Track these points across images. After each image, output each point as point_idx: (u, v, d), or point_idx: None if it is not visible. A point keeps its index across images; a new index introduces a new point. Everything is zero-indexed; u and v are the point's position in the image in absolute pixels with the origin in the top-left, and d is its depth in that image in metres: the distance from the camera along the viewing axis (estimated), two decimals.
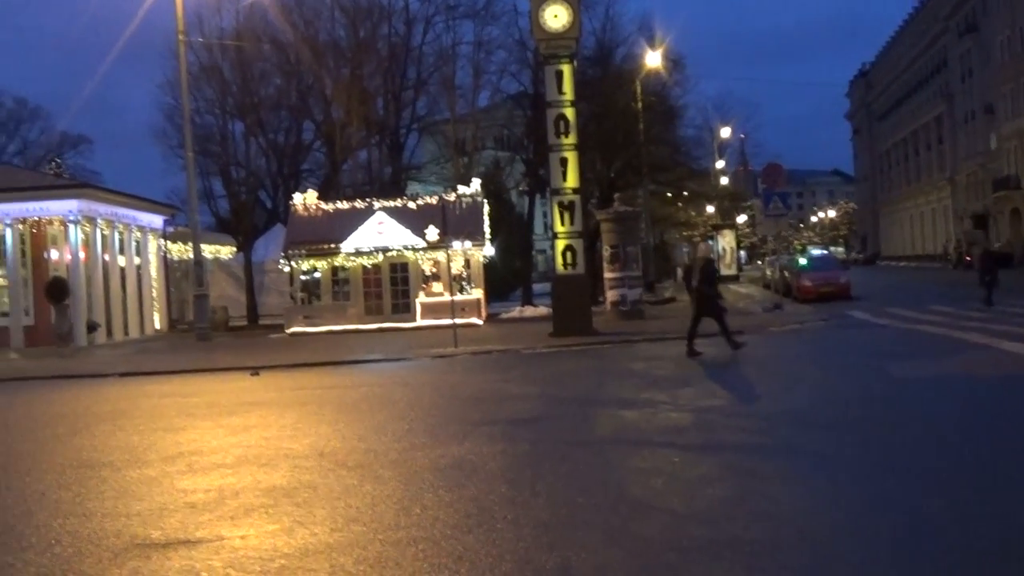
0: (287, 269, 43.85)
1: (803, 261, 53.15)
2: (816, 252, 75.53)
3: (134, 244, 47.19)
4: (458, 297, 38.40)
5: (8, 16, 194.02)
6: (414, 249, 41.97)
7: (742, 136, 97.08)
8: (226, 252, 59.00)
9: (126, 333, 44.94)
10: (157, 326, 49.47)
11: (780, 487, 10.11)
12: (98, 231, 42.55)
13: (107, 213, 43.60)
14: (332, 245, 42.31)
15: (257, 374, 25.60)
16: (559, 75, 32.77)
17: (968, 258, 73.32)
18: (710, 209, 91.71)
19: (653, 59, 55.79)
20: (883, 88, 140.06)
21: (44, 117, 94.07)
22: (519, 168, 58.21)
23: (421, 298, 42.06)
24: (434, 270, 42.36)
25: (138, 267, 47.56)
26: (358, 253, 42.32)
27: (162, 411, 18.81)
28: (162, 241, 51.19)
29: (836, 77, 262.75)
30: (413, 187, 58.37)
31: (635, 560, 7.73)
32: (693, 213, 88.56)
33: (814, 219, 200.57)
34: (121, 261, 45.47)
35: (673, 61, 60.31)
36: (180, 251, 53.34)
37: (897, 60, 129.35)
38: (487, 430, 14.25)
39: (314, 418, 16.61)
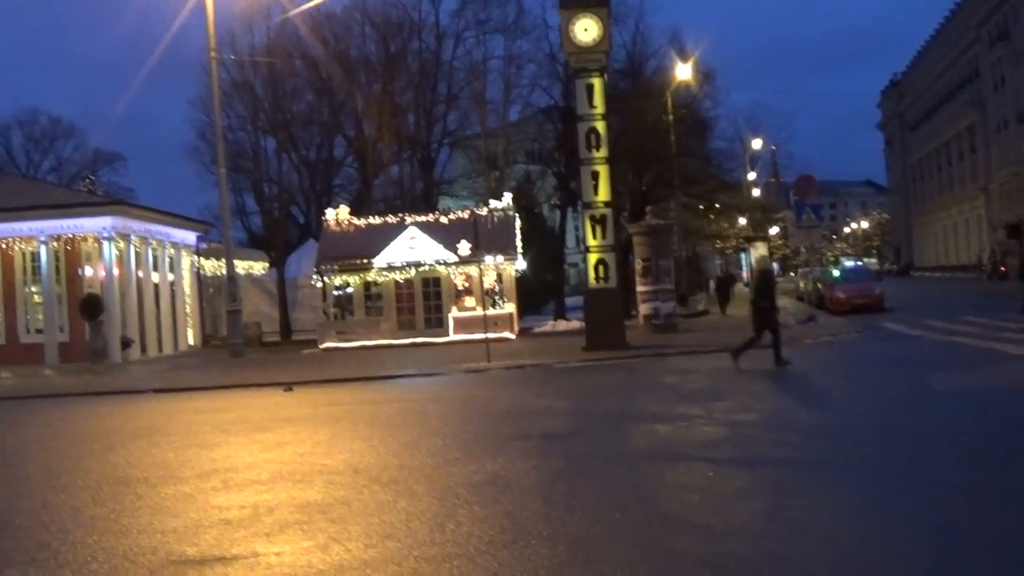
0: (320, 284, 43.92)
1: (836, 273, 52.91)
2: (849, 263, 75.18)
3: (168, 260, 47.39)
4: (490, 311, 38.41)
5: (43, 36, 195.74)
6: (446, 264, 41.99)
7: (773, 147, 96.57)
8: (259, 268, 59.21)
9: (160, 349, 45.13)
10: (191, 342, 49.66)
11: (817, 502, 10.05)
12: (132, 248, 42.77)
13: (141, 230, 43.83)
14: (364, 260, 42.36)
15: (290, 390, 25.60)
16: (590, 88, 32.75)
17: (1003, 268, 72.88)
18: (742, 221, 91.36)
19: (684, 71, 55.70)
20: (915, 98, 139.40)
21: (78, 134, 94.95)
22: (550, 182, 58.21)
23: (453, 313, 42.08)
24: (466, 284, 42.35)
25: (171, 283, 47.76)
26: (390, 268, 42.36)
27: (196, 427, 18.85)
28: (195, 257, 51.39)
29: (868, 87, 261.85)
30: (445, 202, 58.41)
31: None
32: (725, 225, 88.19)
33: (847, 230, 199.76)
34: (155, 277, 45.69)
35: (704, 73, 60.22)
36: (213, 267, 53.54)
37: (929, 69, 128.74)
38: (521, 445, 14.21)
39: (348, 434, 16.62)
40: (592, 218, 32.75)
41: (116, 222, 41.73)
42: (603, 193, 32.70)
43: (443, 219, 44.21)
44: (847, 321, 38.63)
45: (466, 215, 43.65)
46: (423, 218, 44.23)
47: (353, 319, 43.30)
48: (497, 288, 42.47)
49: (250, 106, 53.47)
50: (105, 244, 41.29)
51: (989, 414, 15.22)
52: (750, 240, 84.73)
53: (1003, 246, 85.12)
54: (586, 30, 32.60)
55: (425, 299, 42.84)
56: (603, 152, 32.74)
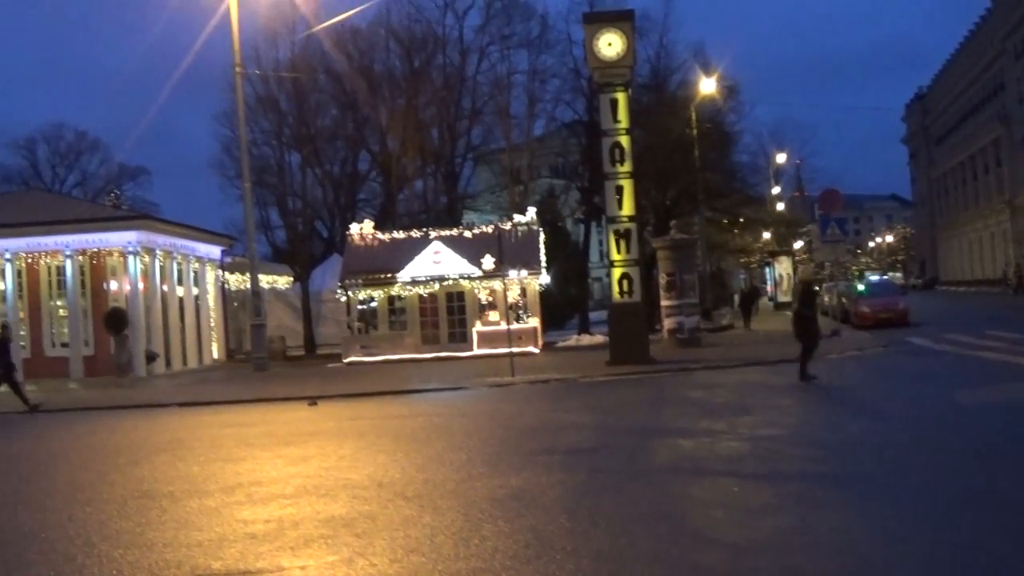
0: (344, 299, 43.98)
1: (861, 287, 52.72)
2: (874, 278, 74.94)
3: (192, 274, 47.57)
4: (514, 326, 38.36)
5: (68, 52, 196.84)
6: (470, 278, 41.99)
7: (798, 162, 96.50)
8: (283, 282, 59.36)
9: (184, 363, 45.27)
10: (215, 356, 49.80)
11: (842, 517, 10.00)
12: (157, 262, 42.94)
13: (165, 244, 44.01)
14: (389, 275, 42.41)
15: (315, 404, 25.64)
16: (614, 103, 32.74)
17: None
18: (766, 235, 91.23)
19: (708, 86, 55.67)
20: (940, 112, 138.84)
21: (103, 149, 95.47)
22: (574, 196, 58.21)
23: (477, 327, 42.07)
24: (490, 299, 42.35)
25: (196, 297, 47.93)
26: (414, 282, 42.39)
27: (221, 441, 18.90)
28: (220, 271, 51.56)
29: (892, 101, 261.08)
30: (469, 216, 58.48)
31: None
32: (749, 239, 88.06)
33: (872, 244, 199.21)
34: (179, 291, 45.88)
35: (728, 87, 60.15)
36: (238, 281, 53.69)
37: (953, 83, 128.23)
38: (545, 460, 14.20)
39: (372, 448, 16.63)
40: (616, 232, 32.72)
41: (141, 236, 41.92)
42: (627, 207, 32.68)
43: (467, 233, 44.24)
44: (872, 335, 38.49)
45: (490, 229, 43.64)
46: (447, 232, 44.29)
47: (377, 333, 43.32)
48: (521, 302, 42.44)
49: (275, 121, 53.67)
50: (130, 258, 41.48)
51: (1015, 429, 15.15)
52: (774, 255, 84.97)
53: None
54: (610, 44, 32.62)
55: (449, 313, 42.84)
56: (627, 167, 32.71)
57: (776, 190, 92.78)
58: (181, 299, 46.00)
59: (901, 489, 11.19)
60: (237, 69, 41.22)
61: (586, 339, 46.23)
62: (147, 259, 42.23)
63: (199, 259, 48.37)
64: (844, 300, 49.21)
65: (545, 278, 43.50)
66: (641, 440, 16.25)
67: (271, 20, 51.79)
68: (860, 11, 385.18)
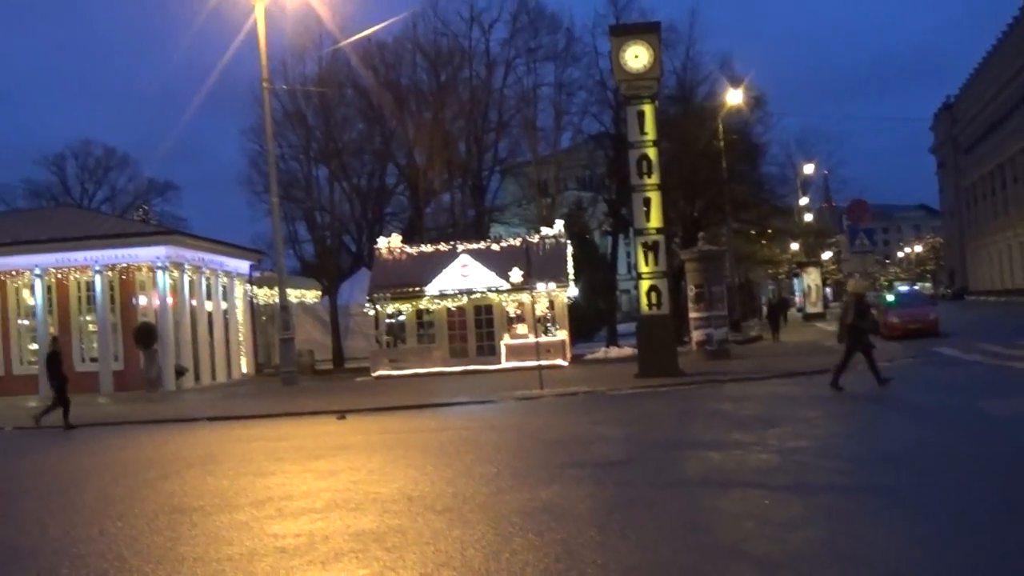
0: (372, 312, 44.07)
1: (890, 297, 52.48)
2: (903, 288, 74.70)
3: (221, 289, 47.75)
4: (543, 339, 38.34)
5: (97, 67, 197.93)
6: (498, 291, 41.99)
7: (826, 172, 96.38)
8: (311, 296, 59.53)
9: (213, 377, 45.42)
10: (244, 370, 49.95)
11: (872, 529, 9.95)
12: (185, 277, 43.13)
13: (194, 259, 44.19)
14: (417, 288, 42.45)
15: (344, 418, 25.65)
16: (641, 115, 32.71)
17: None
18: (794, 246, 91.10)
19: (735, 97, 55.63)
20: (968, 121, 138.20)
21: (132, 164, 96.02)
22: (602, 208, 58.22)
23: (505, 340, 42.06)
24: (518, 312, 42.33)
25: (225, 312, 48.11)
26: (442, 296, 42.42)
27: (251, 455, 18.93)
28: (248, 286, 51.73)
29: (920, 111, 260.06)
30: (496, 229, 58.52)
31: None
32: (777, 251, 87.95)
33: (900, 255, 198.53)
34: (208, 306, 46.07)
35: (755, 98, 60.09)
36: (266, 295, 53.87)
37: (982, 92, 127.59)
38: (574, 473, 14.18)
39: (401, 462, 16.63)
40: (644, 245, 32.68)
41: (170, 251, 42.13)
42: (655, 220, 32.63)
43: (495, 246, 44.27)
44: (901, 346, 38.32)
45: (518, 242, 43.67)
46: (475, 246, 44.32)
47: (405, 347, 43.37)
48: (549, 315, 42.42)
49: (302, 135, 53.85)
50: (159, 273, 41.67)
51: None
52: (803, 265, 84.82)
53: None
54: (636, 57, 32.61)
55: (477, 327, 42.85)
56: (655, 179, 32.67)
57: (804, 201, 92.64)
58: (210, 314, 46.18)
59: (931, 501, 11.14)
60: (265, 84, 41.37)
61: (614, 351, 46.18)
62: (176, 274, 42.42)
63: (227, 274, 48.56)
64: (873, 311, 49.05)
65: (573, 291, 43.49)
66: (670, 452, 16.21)
67: (298, 35, 52.09)
68: (887, 21, 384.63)
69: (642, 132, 32.67)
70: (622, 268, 72.69)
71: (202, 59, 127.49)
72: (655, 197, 32.66)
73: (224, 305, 48.15)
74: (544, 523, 10.86)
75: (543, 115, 55.78)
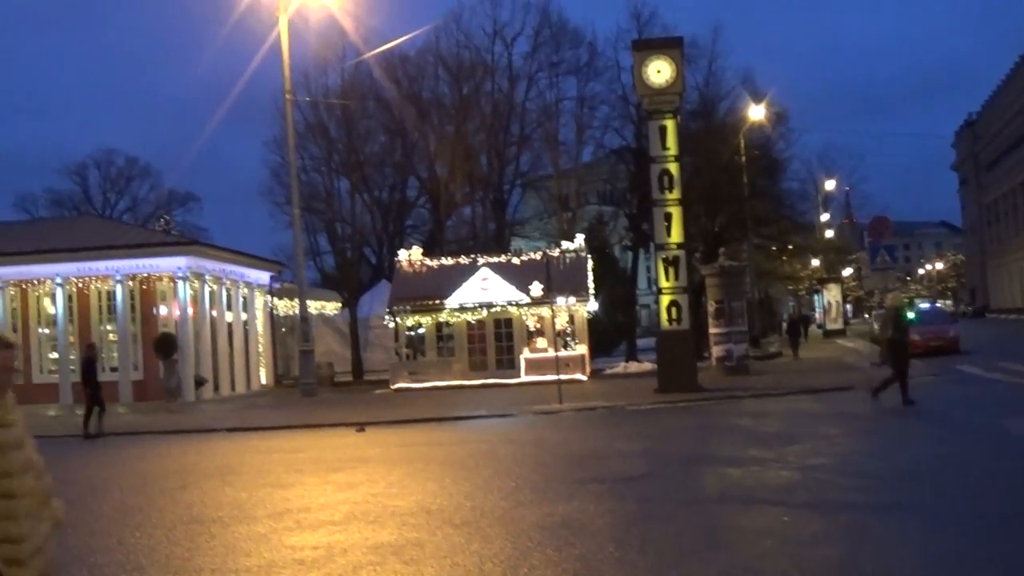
0: (392, 325, 44.07)
1: (911, 315, 52.28)
2: (924, 305, 74.45)
3: (241, 300, 47.83)
4: (562, 353, 38.25)
5: (120, 78, 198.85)
6: (518, 305, 41.96)
7: (847, 188, 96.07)
8: (331, 308, 59.56)
9: (233, 388, 45.44)
10: (263, 381, 50.00)
11: (892, 548, 9.91)
12: (206, 287, 43.19)
13: (215, 269, 44.26)
14: (437, 301, 42.43)
15: (363, 430, 25.65)
16: (663, 130, 32.70)
17: None
18: (815, 263, 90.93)
19: (756, 112, 55.57)
20: (990, 138, 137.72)
21: (154, 175, 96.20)
22: (622, 223, 58.10)
23: (525, 354, 42.00)
24: (538, 326, 42.29)
25: (245, 323, 48.17)
26: (462, 309, 42.41)
27: (269, 467, 18.95)
28: (268, 297, 51.80)
29: (942, 127, 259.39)
30: (517, 243, 58.47)
31: None
32: (798, 267, 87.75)
33: (921, 272, 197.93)
34: (228, 317, 46.13)
35: (776, 114, 59.96)
36: (286, 307, 53.94)
37: (1004, 109, 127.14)
38: (594, 488, 14.16)
39: (420, 475, 16.62)
40: (665, 260, 32.65)
41: (191, 262, 42.19)
42: (676, 235, 32.60)
43: (515, 260, 44.24)
44: (922, 364, 38.04)
45: (538, 256, 43.63)
46: (495, 259, 44.28)
47: (425, 360, 43.34)
48: (569, 329, 42.36)
49: (324, 147, 53.93)
50: (180, 283, 41.74)
51: None
52: (823, 282, 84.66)
53: None
54: (659, 72, 32.61)
55: (497, 340, 42.81)
56: (676, 194, 32.64)
57: (825, 217, 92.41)
58: (230, 324, 46.23)
59: (952, 519, 11.09)
60: (287, 96, 41.44)
61: (634, 366, 46.10)
62: (196, 284, 42.50)
63: (248, 285, 48.64)
64: (874, 328, 48.86)
65: (593, 305, 43.43)
66: (690, 468, 16.17)
67: (321, 48, 52.22)
68: (908, 37, 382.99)
69: (664, 147, 32.66)
70: (642, 283, 72.46)
71: (225, 71, 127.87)
72: (676, 212, 32.64)
73: (244, 316, 48.22)
74: (563, 538, 10.85)
75: (565, 129, 55.89)
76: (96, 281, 42.50)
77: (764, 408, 26.03)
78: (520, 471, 16.41)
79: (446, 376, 42.01)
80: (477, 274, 42.53)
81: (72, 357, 41.81)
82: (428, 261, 45.03)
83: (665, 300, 32.60)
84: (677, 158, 33.18)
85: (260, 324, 50.40)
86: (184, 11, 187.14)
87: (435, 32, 55.37)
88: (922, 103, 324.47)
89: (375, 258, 56.93)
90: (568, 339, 41.98)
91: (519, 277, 41.89)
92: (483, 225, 56.82)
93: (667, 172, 32.60)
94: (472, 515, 12.45)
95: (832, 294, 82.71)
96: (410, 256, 45.34)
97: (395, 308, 43.03)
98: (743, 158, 54.94)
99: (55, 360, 43.08)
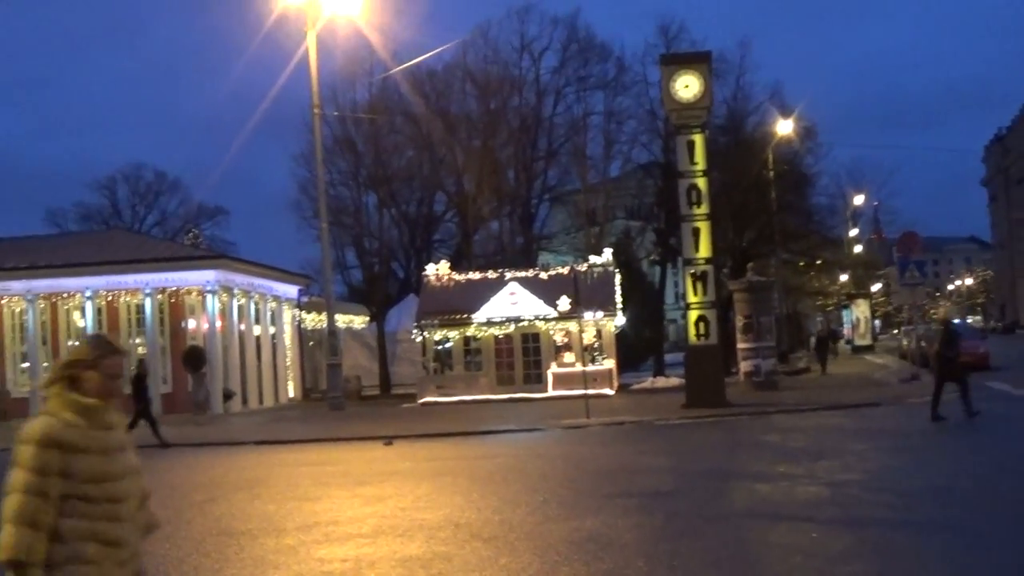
0: (419, 339, 44.09)
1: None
2: (954, 321, 74.15)
3: (269, 313, 47.96)
4: (590, 367, 38.20)
5: (149, 93, 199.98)
6: (546, 319, 41.93)
7: (876, 203, 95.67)
8: (359, 322, 59.69)
9: (261, 401, 45.55)
10: (291, 395, 50.10)
11: (921, 565, 9.87)
12: (234, 301, 43.33)
13: (243, 283, 44.40)
14: (464, 315, 42.44)
15: (391, 444, 25.67)
16: (691, 145, 32.66)
17: None
18: (843, 278, 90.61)
19: (785, 127, 55.50)
20: (1020, 152, 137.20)
21: (182, 189, 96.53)
22: (650, 237, 58.09)
23: (553, 368, 41.94)
24: (566, 340, 42.24)
25: (273, 336, 48.29)
26: (490, 323, 42.40)
27: (298, 480, 18.98)
28: (296, 311, 51.93)
29: (971, 142, 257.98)
30: (544, 257, 58.50)
31: None
32: (826, 282, 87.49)
33: (951, 287, 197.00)
34: (256, 330, 46.25)
35: (805, 128, 59.83)
36: (314, 320, 54.06)
37: None
38: (621, 503, 14.14)
39: (448, 489, 16.63)
40: (693, 275, 32.61)
41: (219, 275, 42.33)
42: (704, 250, 32.56)
43: (543, 275, 44.21)
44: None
45: (566, 271, 43.57)
46: (523, 273, 44.27)
47: (452, 374, 43.33)
48: (596, 344, 42.30)
49: (352, 161, 54.08)
50: (208, 297, 41.89)
51: None
52: (852, 297, 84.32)
53: None
54: (687, 86, 32.60)
55: (524, 354, 42.79)
56: (704, 208, 32.60)
57: (854, 232, 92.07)
58: (258, 338, 46.36)
59: (982, 536, 11.04)
60: (315, 111, 41.55)
61: (661, 381, 45.98)
62: (225, 298, 42.63)
63: (276, 298, 48.78)
64: (923, 344, 48.66)
65: (621, 320, 43.40)
66: (718, 484, 16.13)
67: (349, 62, 52.39)
68: (939, 51, 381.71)
69: (692, 162, 32.63)
70: (670, 298, 72.32)
71: (254, 85, 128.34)
72: (704, 227, 32.60)
73: (272, 329, 48.35)
74: (591, 552, 10.83)
75: (592, 143, 55.92)
76: (125, 294, 42.68)
77: (793, 424, 25.96)
78: (548, 485, 16.40)
79: (473, 390, 41.97)
80: (505, 288, 42.51)
81: None
82: (456, 275, 45.05)
83: (693, 315, 32.55)
84: (705, 173, 33.16)
85: (288, 337, 50.53)
86: (213, 28, 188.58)
87: (463, 47, 55.52)
88: (952, 117, 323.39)
89: (403, 272, 57.07)
90: (596, 354, 41.91)
91: (547, 292, 41.87)
92: (511, 239, 56.81)
93: (695, 187, 32.57)
94: (500, 529, 12.45)
95: (860, 310, 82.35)
96: (438, 270, 45.38)
97: (423, 322, 43.06)
98: (771, 173, 54.86)
99: None
